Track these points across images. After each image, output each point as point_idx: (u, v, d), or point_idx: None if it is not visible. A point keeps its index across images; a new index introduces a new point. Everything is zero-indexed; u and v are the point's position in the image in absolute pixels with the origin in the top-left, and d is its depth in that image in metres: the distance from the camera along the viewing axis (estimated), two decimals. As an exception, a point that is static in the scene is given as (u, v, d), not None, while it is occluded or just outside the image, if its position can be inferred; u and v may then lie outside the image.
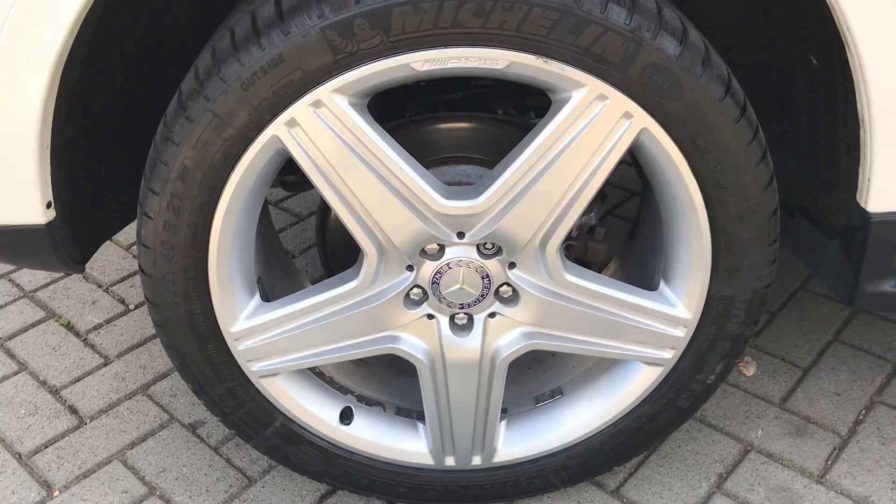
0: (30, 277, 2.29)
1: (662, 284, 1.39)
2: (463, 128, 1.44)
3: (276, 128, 1.20)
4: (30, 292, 2.25)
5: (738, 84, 1.22)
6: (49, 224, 1.29)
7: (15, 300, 2.22)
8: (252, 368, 1.40)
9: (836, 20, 1.17)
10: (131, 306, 2.19)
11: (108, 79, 1.37)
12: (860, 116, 1.23)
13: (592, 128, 1.21)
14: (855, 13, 1.15)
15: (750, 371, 1.89)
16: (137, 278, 2.29)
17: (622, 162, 1.28)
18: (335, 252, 1.52)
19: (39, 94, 1.18)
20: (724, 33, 1.39)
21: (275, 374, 1.42)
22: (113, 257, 2.36)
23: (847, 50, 1.19)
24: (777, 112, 1.49)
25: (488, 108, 1.59)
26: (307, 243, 2.42)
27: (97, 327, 2.13)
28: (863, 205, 1.31)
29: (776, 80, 1.45)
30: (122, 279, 2.29)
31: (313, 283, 2.17)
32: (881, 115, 1.21)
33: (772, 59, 1.44)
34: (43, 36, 1.13)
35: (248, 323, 1.36)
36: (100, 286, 2.26)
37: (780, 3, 1.35)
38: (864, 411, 1.79)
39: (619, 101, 1.19)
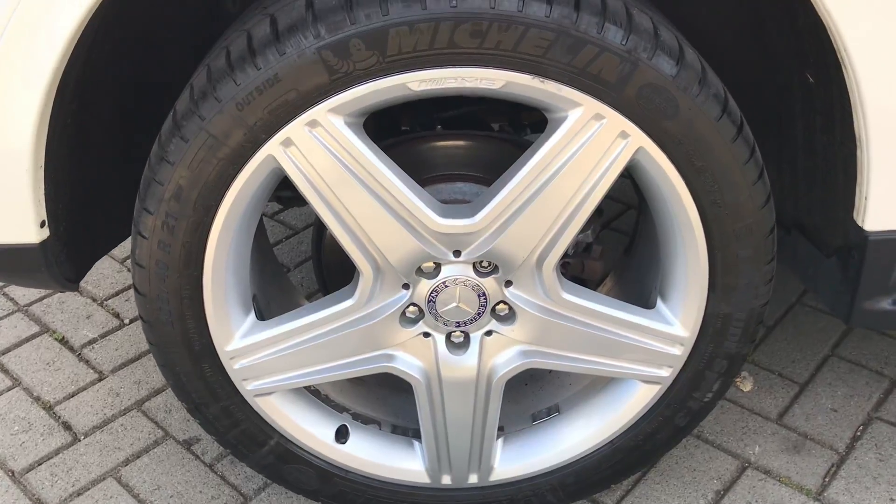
0: (24, 291, 2.28)
1: (659, 302, 1.39)
2: (459, 145, 1.43)
3: (272, 147, 1.19)
4: (24, 306, 2.24)
5: (734, 103, 1.22)
6: (43, 243, 1.29)
7: (9, 314, 2.21)
8: (247, 387, 1.40)
9: (832, 40, 1.17)
10: (126, 321, 2.18)
11: (102, 97, 1.37)
12: (857, 135, 1.23)
13: (588, 147, 1.20)
14: (852, 34, 1.15)
15: (747, 386, 1.89)
16: (132, 292, 2.28)
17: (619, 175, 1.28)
18: (331, 270, 1.51)
19: (34, 112, 1.18)
20: (721, 51, 1.39)
21: (270, 393, 1.41)
22: (107, 271, 2.35)
23: (844, 69, 1.19)
24: (774, 129, 1.48)
25: (484, 125, 1.59)
26: (302, 256, 2.41)
27: (91, 342, 2.12)
28: (860, 223, 1.31)
29: (773, 98, 1.45)
30: (117, 293, 2.28)
31: (308, 298, 2.17)
32: (878, 134, 1.21)
33: (768, 77, 1.44)
34: (38, 55, 1.12)
35: (243, 342, 1.36)
36: (94, 300, 2.25)
37: (777, 21, 1.35)
38: (861, 427, 1.78)
39: (616, 121, 1.18)
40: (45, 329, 2.16)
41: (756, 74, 1.45)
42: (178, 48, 1.48)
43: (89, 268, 1.49)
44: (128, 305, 2.23)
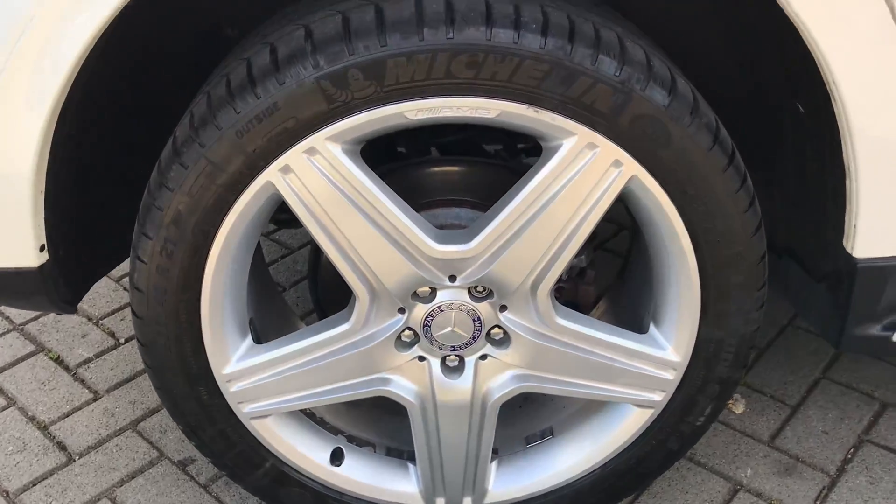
0: (19, 310, 2.28)
1: (652, 327, 1.40)
2: (454, 171, 1.45)
3: (270, 174, 1.21)
4: (19, 325, 2.24)
5: (726, 133, 1.24)
6: (42, 267, 1.30)
7: (3, 334, 2.22)
8: (243, 410, 1.40)
9: (822, 72, 1.19)
10: (121, 340, 2.19)
11: (101, 121, 1.38)
12: (846, 165, 1.25)
13: (582, 175, 1.22)
14: (841, 67, 1.17)
15: (739, 409, 1.90)
16: (128, 311, 2.28)
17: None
18: (327, 293, 1.53)
19: (37, 137, 1.19)
20: (714, 79, 1.42)
21: (266, 416, 1.42)
22: (103, 290, 2.36)
23: (833, 102, 1.21)
24: (765, 155, 1.51)
25: (479, 148, 1.60)
26: (298, 276, 2.42)
27: (87, 361, 2.12)
28: (849, 250, 1.33)
29: (764, 125, 1.48)
30: (113, 312, 2.29)
31: (303, 318, 2.18)
32: (867, 165, 1.23)
33: (760, 105, 1.46)
34: (44, 79, 1.13)
35: (239, 365, 1.37)
36: (90, 319, 2.26)
37: (769, 52, 1.38)
38: (852, 450, 1.80)
39: (609, 150, 1.20)
40: (41, 348, 2.16)
41: (748, 102, 1.47)
42: (177, 73, 1.50)
43: (87, 290, 1.50)
44: (123, 325, 2.24)
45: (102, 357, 2.14)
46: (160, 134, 1.44)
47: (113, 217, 1.51)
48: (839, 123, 1.22)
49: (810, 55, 1.19)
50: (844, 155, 1.25)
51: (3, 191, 1.21)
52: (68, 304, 1.40)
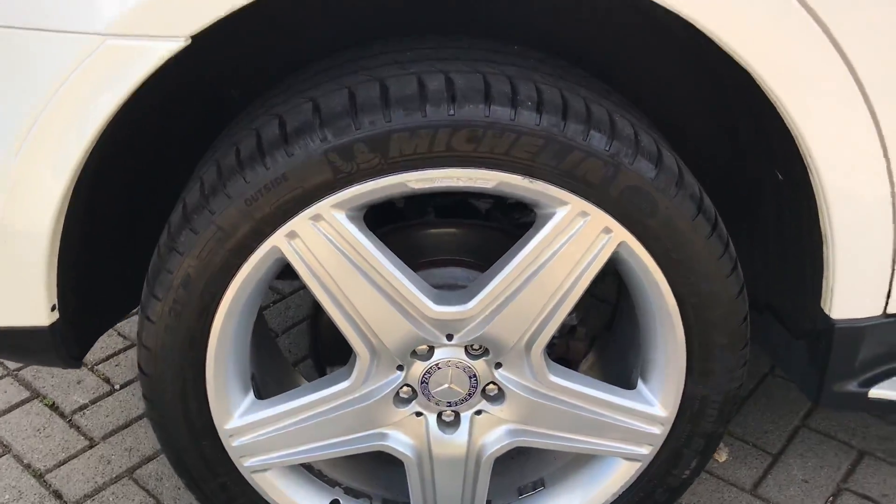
0: (14, 356, 2.30)
1: (640, 384, 1.46)
2: (450, 232, 1.51)
3: (277, 239, 1.26)
4: (13, 371, 2.26)
5: (709, 202, 1.31)
6: (52, 325, 1.34)
7: (-1, 379, 2.24)
8: (244, 464, 1.44)
9: (799, 146, 1.27)
10: (116, 386, 2.22)
11: (112, 183, 1.43)
12: (823, 234, 1.32)
13: (574, 241, 1.29)
14: (818, 143, 1.24)
15: (722, 457, 1.96)
16: (123, 357, 2.31)
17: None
18: (327, 350, 1.57)
19: (57, 199, 1.23)
20: (696, 148, 1.49)
21: (266, 469, 1.46)
22: (98, 335, 2.39)
23: (809, 173, 1.29)
24: (746, 217, 1.58)
25: (472, 207, 1.67)
26: (290, 321, 2.47)
27: (82, 408, 2.14)
28: (827, 311, 1.40)
29: (745, 190, 1.55)
30: (108, 357, 2.31)
31: (295, 364, 2.22)
32: (843, 235, 1.30)
33: (740, 172, 1.54)
34: (68, 145, 1.18)
35: (242, 420, 1.41)
36: (85, 365, 2.28)
37: (748, 123, 1.46)
38: (831, 498, 1.85)
39: (600, 218, 1.27)
40: (36, 394, 2.19)
41: (728, 167, 1.54)
42: (182, 135, 1.55)
43: (92, 344, 1.54)
44: (118, 371, 2.27)
45: (98, 403, 2.16)
46: (164, 194, 1.50)
47: (118, 275, 1.55)
48: (816, 194, 1.30)
49: (787, 127, 1.26)
50: (822, 224, 1.32)
51: (21, 251, 1.25)
52: (75, 359, 1.44)
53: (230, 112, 1.47)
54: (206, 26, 1.08)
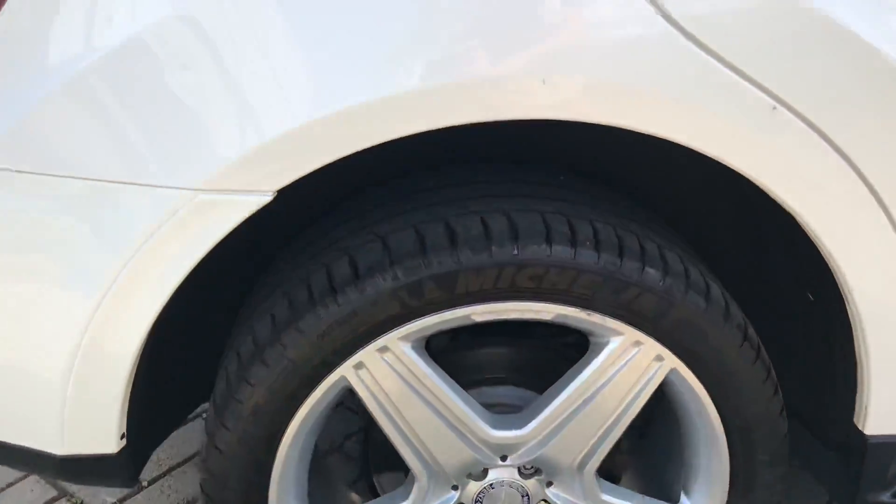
0: (40, 454, 2.30)
1: (683, 497, 1.51)
2: (501, 353, 1.57)
3: (345, 369, 1.31)
4: (39, 469, 2.26)
5: (753, 330, 1.38)
6: (120, 452, 1.37)
7: (24, 477, 2.23)
8: (299, 583, 1.47)
9: (835, 276, 1.34)
10: (145, 483, 2.22)
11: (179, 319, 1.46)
12: (858, 357, 1.39)
13: (629, 368, 1.35)
14: (854, 273, 1.32)
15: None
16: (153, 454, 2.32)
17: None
18: (379, 469, 1.61)
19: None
20: (731, 271, 1.57)
21: (321, 587, 1.49)
22: (122, 431, 2.39)
23: (845, 300, 1.35)
24: (780, 335, 1.64)
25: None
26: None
27: (111, 508, 2.15)
28: (860, 427, 1.46)
29: (778, 311, 1.62)
30: (133, 454, 2.32)
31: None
32: (879, 359, 1.37)
33: (773, 293, 1.61)
34: (152, 295, 1.22)
35: (301, 539, 1.44)
36: (111, 462, 2.28)
37: (779, 247, 1.54)
38: None
39: (652, 347, 1.34)
40: (63, 493, 2.18)
41: (760, 288, 1.62)
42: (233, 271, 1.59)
43: (146, 462, 1.56)
44: (147, 468, 2.26)
45: (125, 502, 2.16)
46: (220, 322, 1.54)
47: (174, 397, 1.58)
48: (851, 320, 1.37)
49: (822, 256, 1.33)
50: (856, 347, 1.39)
51: (102, 388, 1.28)
52: (133, 479, 1.47)
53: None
54: (293, 181, 1.14)
